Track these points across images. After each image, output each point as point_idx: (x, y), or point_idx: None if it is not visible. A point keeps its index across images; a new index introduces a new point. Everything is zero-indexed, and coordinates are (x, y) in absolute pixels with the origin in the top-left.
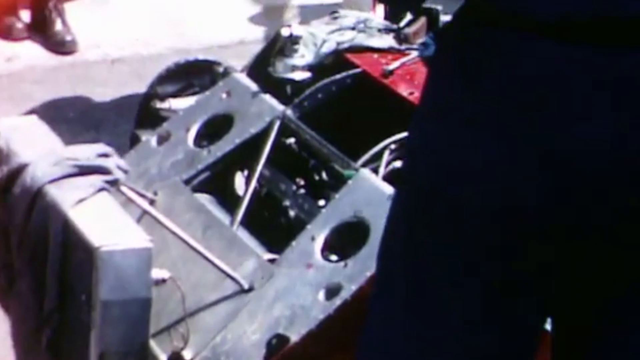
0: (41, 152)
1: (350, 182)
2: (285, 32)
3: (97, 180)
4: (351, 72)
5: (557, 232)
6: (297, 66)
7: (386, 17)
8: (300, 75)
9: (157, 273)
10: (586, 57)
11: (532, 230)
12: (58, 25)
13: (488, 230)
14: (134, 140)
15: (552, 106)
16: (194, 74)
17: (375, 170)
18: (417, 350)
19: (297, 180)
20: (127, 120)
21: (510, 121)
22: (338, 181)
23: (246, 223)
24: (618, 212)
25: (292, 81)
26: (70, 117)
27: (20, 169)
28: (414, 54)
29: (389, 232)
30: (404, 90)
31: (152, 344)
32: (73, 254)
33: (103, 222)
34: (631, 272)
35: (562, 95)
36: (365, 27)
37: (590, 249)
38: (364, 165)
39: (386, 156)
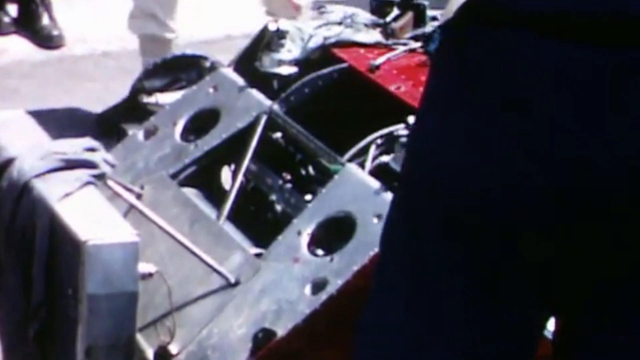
0: (28, 146)
1: (336, 176)
2: (272, 26)
3: (84, 174)
4: (338, 66)
5: (556, 231)
6: (283, 61)
7: (372, 12)
8: (287, 70)
9: (143, 267)
10: (586, 56)
11: (531, 230)
12: (45, 20)
13: (488, 230)
14: (121, 135)
15: (552, 107)
16: (180, 69)
17: (362, 165)
18: (417, 351)
19: (284, 174)
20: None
21: (511, 122)
22: (324, 176)
23: (233, 217)
24: (617, 212)
25: (278, 76)
26: (57, 112)
27: (7, 163)
28: (401, 48)
29: (389, 232)
30: (390, 85)
31: (139, 337)
32: (60, 248)
33: (90, 216)
34: (630, 273)
35: (562, 95)
36: (352, 22)
37: (590, 249)
38: (351, 159)
39: (372, 151)
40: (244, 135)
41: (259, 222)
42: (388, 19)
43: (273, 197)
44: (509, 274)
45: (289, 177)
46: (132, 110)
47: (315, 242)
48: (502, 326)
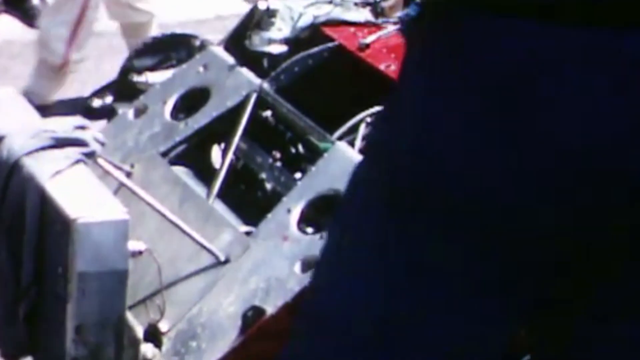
0: (18, 125)
1: (326, 154)
2: (262, 5)
3: (74, 152)
4: (328, 45)
5: (556, 232)
6: (273, 39)
7: None
8: (277, 49)
9: (133, 245)
10: (580, 39)
11: (530, 230)
12: (35, 0)
13: (486, 230)
14: (111, 113)
15: (543, 96)
16: (171, 48)
17: (352, 143)
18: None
19: (274, 153)
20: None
21: (501, 115)
22: (314, 154)
23: (223, 195)
24: (617, 213)
25: (268, 54)
26: None
27: None
28: (391, 27)
29: (360, 223)
30: (380, 64)
31: (129, 316)
32: (50, 226)
33: (80, 194)
34: (629, 274)
35: (555, 83)
36: (342, 0)
37: (588, 250)
38: (340, 138)
39: (362, 129)
40: (233, 113)
41: (249, 200)
42: None
43: (263, 175)
44: (505, 274)
45: (278, 155)
46: (122, 89)
47: (304, 220)
48: (501, 328)
